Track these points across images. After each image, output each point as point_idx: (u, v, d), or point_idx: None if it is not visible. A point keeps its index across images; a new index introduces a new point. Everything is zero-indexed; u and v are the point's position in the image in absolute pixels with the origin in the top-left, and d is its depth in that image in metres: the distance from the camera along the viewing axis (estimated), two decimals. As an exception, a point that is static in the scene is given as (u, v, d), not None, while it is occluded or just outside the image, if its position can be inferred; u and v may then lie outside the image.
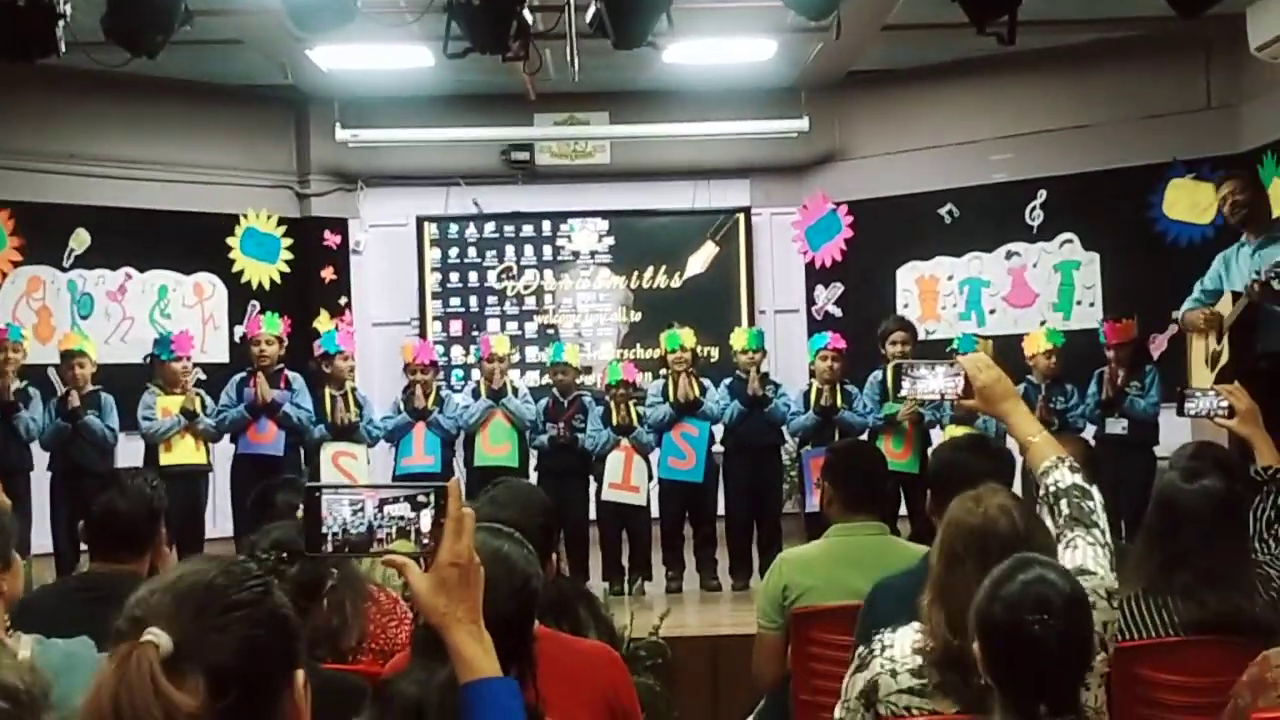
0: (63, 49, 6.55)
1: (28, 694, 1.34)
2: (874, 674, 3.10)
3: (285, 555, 3.33)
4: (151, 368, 9.06)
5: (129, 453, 8.88)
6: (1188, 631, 3.60)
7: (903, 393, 3.43)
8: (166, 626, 1.61)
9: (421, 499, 2.00)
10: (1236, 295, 7.19)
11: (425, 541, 1.98)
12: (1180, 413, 4.76)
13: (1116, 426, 8.59)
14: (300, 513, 4.06)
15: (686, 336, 9.22)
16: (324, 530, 1.99)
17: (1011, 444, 3.53)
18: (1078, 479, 3.10)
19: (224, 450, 9.21)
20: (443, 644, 2.07)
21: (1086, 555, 2.98)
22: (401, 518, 1.99)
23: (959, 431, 8.15)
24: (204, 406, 8.86)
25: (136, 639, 1.61)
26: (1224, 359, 7.16)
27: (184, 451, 8.73)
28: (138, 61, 6.97)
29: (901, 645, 3.09)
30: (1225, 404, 4.42)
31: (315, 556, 3.25)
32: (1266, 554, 3.91)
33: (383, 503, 1.99)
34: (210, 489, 8.99)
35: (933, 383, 3.38)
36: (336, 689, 2.94)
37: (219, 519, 9.18)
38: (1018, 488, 4.19)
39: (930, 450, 6.96)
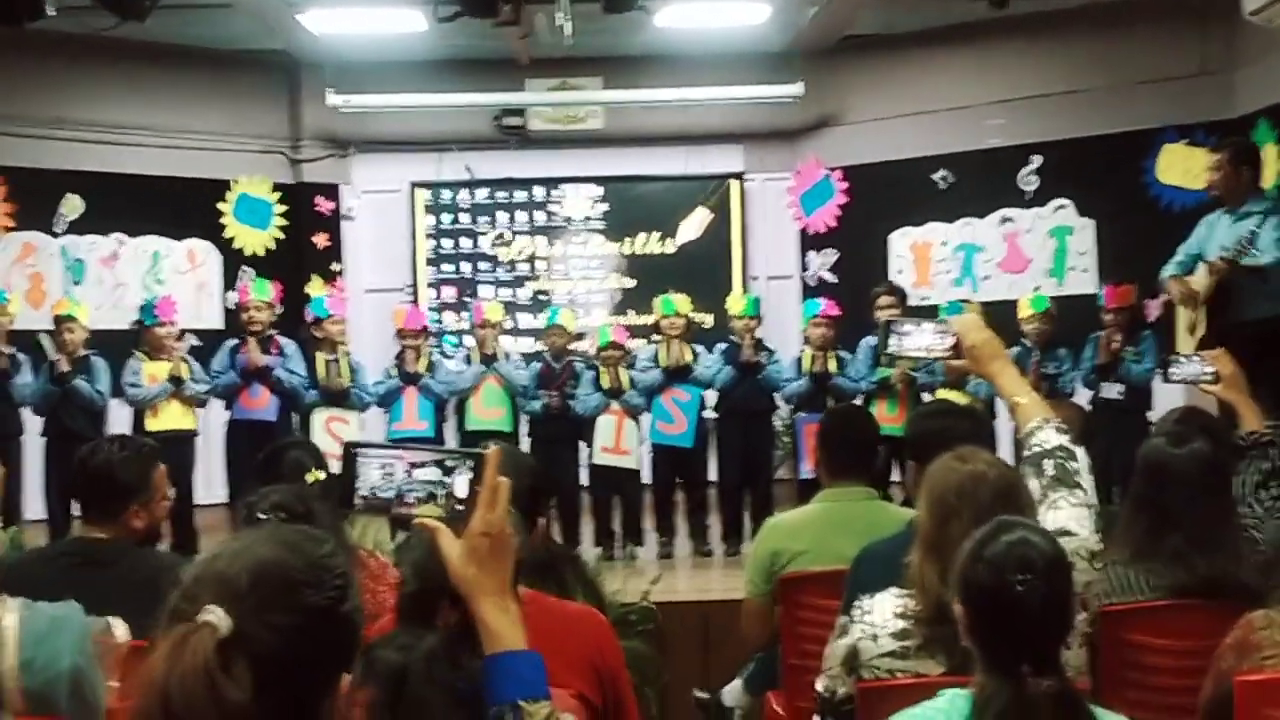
0: (51, 12, 6.53)
1: None
2: (854, 639, 3.11)
3: (285, 518, 3.35)
4: (138, 334, 9.06)
5: (119, 419, 8.87)
6: (1175, 596, 3.60)
7: (889, 349, 3.40)
8: (231, 605, 1.58)
9: (450, 463, 1.99)
10: (1210, 267, 7.19)
11: (458, 508, 1.97)
12: (1165, 379, 4.77)
13: (1111, 391, 8.60)
14: (316, 477, 4.08)
15: (681, 302, 9.23)
16: (357, 487, 1.98)
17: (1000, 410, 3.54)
18: (1064, 440, 3.10)
19: (217, 416, 9.21)
20: (432, 611, 2.07)
21: (1069, 516, 2.99)
22: (430, 482, 1.98)
23: (951, 395, 8.17)
24: (191, 372, 8.86)
25: (193, 616, 1.57)
26: (1199, 330, 7.18)
27: (171, 417, 8.73)
28: (128, 26, 6.95)
29: (882, 610, 3.10)
30: (1210, 370, 4.43)
31: (314, 515, 3.26)
32: (1252, 514, 3.92)
33: (412, 466, 1.98)
34: (196, 454, 8.97)
35: (919, 339, 3.37)
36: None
37: (213, 485, 9.18)
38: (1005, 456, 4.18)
39: (909, 417, 6.94)
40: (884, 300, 9.07)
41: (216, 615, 1.55)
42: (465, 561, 1.95)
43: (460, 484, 1.98)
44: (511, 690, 1.91)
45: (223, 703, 1.52)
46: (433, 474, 1.99)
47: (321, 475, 4.17)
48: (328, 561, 1.68)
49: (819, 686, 3.26)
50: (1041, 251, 10.78)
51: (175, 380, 8.73)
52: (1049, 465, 3.08)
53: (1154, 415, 8.22)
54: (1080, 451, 3.12)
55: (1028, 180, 10.78)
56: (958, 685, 2.50)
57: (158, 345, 8.84)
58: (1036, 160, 10.71)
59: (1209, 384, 4.43)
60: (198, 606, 1.57)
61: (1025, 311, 8.95)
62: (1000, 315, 8.43)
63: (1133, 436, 7.58)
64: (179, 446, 8.49)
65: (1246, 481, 4.05)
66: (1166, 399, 7.73)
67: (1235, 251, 6.93)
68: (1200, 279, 7.27)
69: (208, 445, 9.18)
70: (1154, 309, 9.50)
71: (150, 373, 8.75)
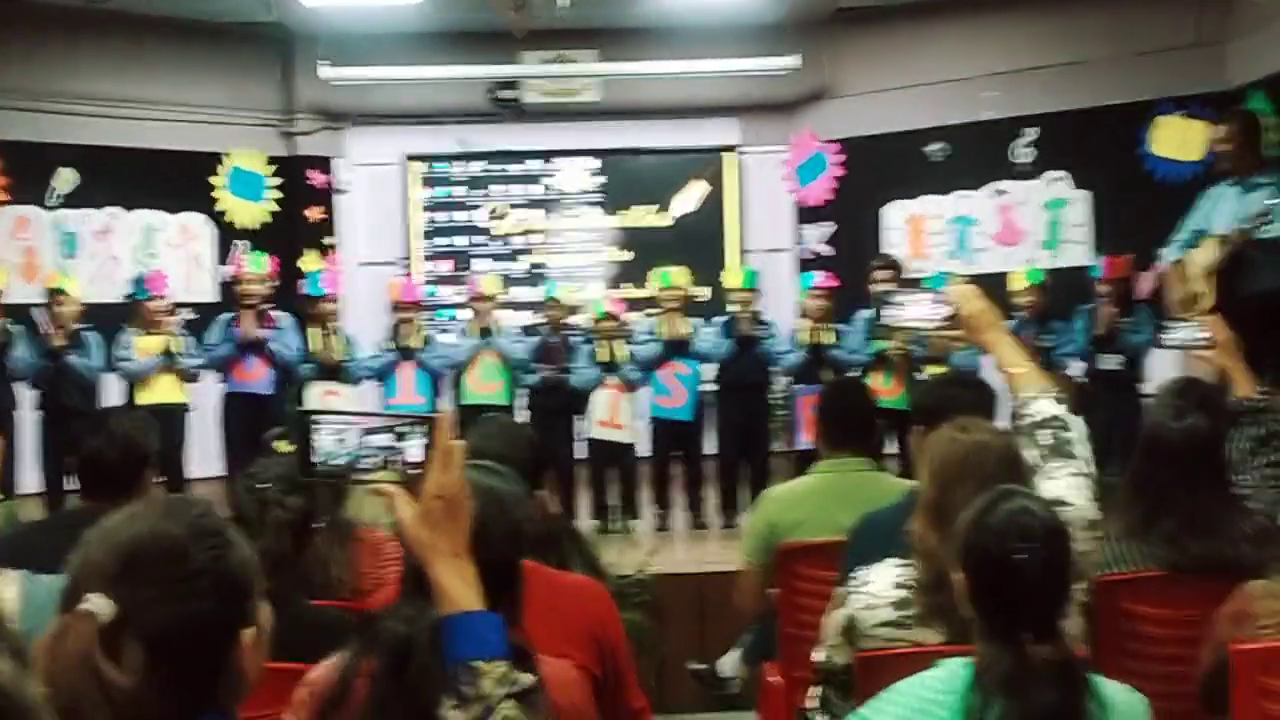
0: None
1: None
2: (853, 610, 3.11)
3: (287, 488, 3.37)
4: (129, 308, 9.04)
5: (113, 393, 8.89)
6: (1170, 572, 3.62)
7: (884, 320, 3.41)
8: (110, 589, 1.56)
9: (403, 429, 2.00)
10: (1221, 239, 7.17)
11: (412, 472, 1.98)
12: (1159, 344, 4.78)
13: (1110, 363, 8.61)
14: (284, 449, 4.10)
15: (678, 275, 9.23)
16: (313, 458, 1.99)
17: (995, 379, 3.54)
18: (1059, 410, 3.11)
19: (213, 389, 9.20)
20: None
21: (1066, 485, 2.99)
22: (384, 448, 1.99)
23: (934, 370, 8.20)
24: (182, 345, 8.86)
25: (74, 603, 1.55)
26: (1204, 302, 7.15)
27: (162, 390, 8.74)
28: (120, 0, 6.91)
29: (881, 580, 3.11)
30: (1204, 335, 4.43)
31: (308, 480, 3.28)
32: (1248, 482, 3.93)
33: (366, 432, 1.99)
34: (188, 428, 8.97)
35: (915, 310, 3.37)
36: (319, 624, 2.96)
37: (208, 458, 9.18)
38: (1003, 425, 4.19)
39: (915, 388, 6.97)
40: (880, 274, 9.07)
41: (94, 602, 1.54)
42: (419, 524, 1.95)
43: (414, 449, 1.98)
44: (468, 649, 1.90)
45: (109, 689, 1.51)
46: (387, 440, 1.99)
47: (292, 447, 4.19)
48: (203, 522, 1.68)
49: (817, 657, 3.26)
50: (1035, 224, 10.78)
51: (167, 354, 8.73)
52: (1044, 435, 3.08)
53: (1148, 387, 8.23)
54: (1076, 421, 3.12)
55: (1022, 153, 10.77)
56: (957, 655, 2.51)
57: (149, 319, 8.84)
58: (1031, 133, 10.69)
59: (1203, 348, 4.44)
60: (79, 596, 1.56)
61: (1018, 284, 8.95)
62: (994, 287, 8.44)
63: (1131, 407, 7.61)
64: (170, 420, 8.47)
65: (1239, 449, 4.07)
66: (1162, 370, 7.73)
67: (1251, 225, 6.89)
68: (1205, 256, 7.24)
69: (203, 418, 9.17)
70: (1146, 282, 9.51)
71: (142, 346, 8.75)
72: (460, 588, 1.94)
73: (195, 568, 1.63)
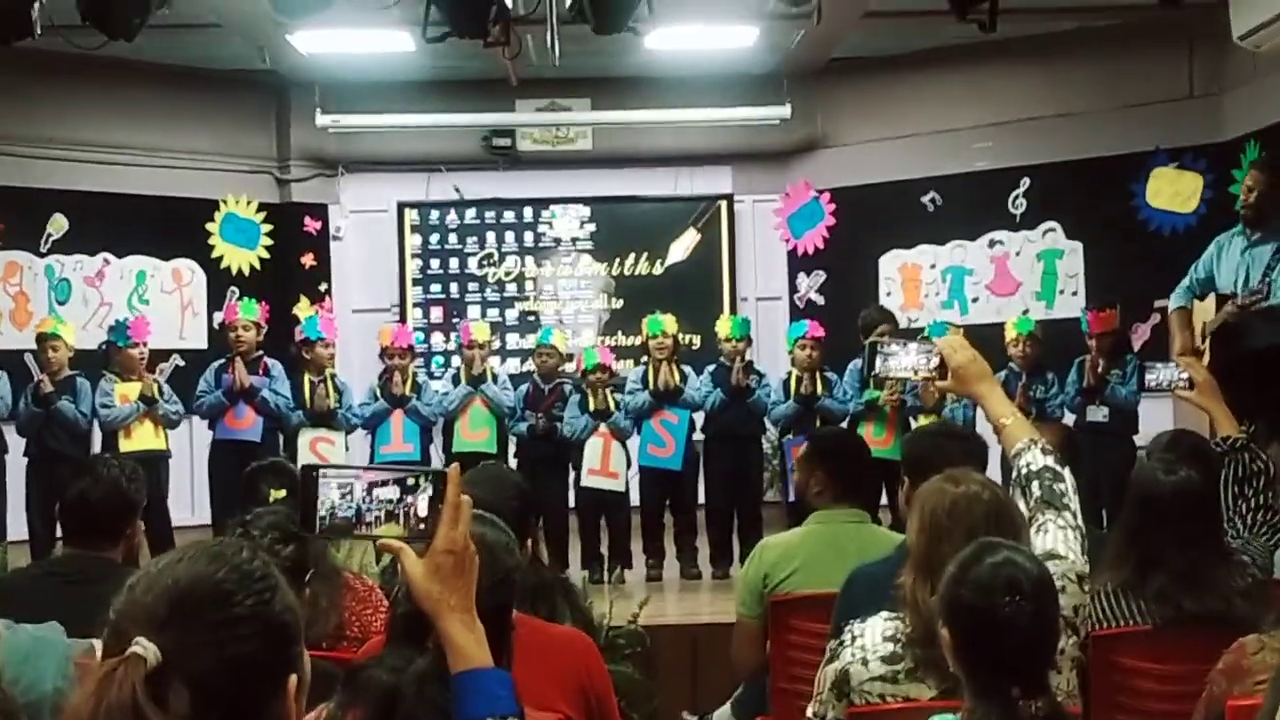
0: (38, 31, 6.51)
1: None
2: (844, 664, 3.08)
3: (280, 538, 3.34)
4: (108, 355, 9.00)
5: (96, 440, 8.84)
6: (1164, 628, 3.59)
7: (875, 370, 3.39)
8: (157, 633, 1.55)
9: (411, 482, 1.98)
10: (1220, 298, 7.15)
11: (420, 527, 1.96)
12: (1141, 386, 4.79)
13: (1097, 415, 8.59)
14: (276, 496, 4.07)
15: (669, 323, 9.20)
16: (318, 511, 1.96)
17: (986, 429, 3.53)
18: (1049, 461, 3.09)
19: (202, 436, 9.16)
20: (423, 632, 2.05)
21: (1057, 538, 2.97)
22: (390, 501, 1.97)
23: (927, 421, 8.19)
24: (161, 392, 8.83)
25: (122, 649, 1.54)
26: (1204, 360, 7.13)
27: (143, 437, 8.69)
28: (116, 45, 6.91)
29: (872, 634, 3.08)
30: (1185, 376, 4.45)
31: (308, 536, 3.25)
32: (1238, 532, 3.92)
33: (371, 485, 1.97)
34: (169, 474, 8.93)
35: (906, 360, 3.36)
36: (314, 675, 2.92)
37: (196, 506, 9.13)
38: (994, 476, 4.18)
39: (905, 438, 6.94)
40: (883, 328, 8.89)
41: (142, 646, 1.53)
42: (429, 579, 1.94)
43: (422, 502, 1.97)
44: (480, 708, 1.90)
45: None
46: (393, 493, 1.97)
47: (282, 494, 4.16)
48: (248, 566, 1.65)
49: (809, 713, 3.23)
50: (1030, 274, 10.80)
51: (148, 400, 8.68)
52: (1036, 487, 3.06)
53: (1140, 439, 8.22)
54: (1067, 473, 3.11)
55: (1016, 203, 10.80)
56: (948, 710, 2.48)
57: (129, 366, 8.78)
58: (1025, 183, 10.73)
59: (1183, 389, 4.44)
60: (125, 640, 1.55)
61: (1010, 334, 8.93)
62: (989, 338, 8.44)
63: (1119, 460, 7.57)
64: (152, 468, 8.42)
65: (1227, 489, 4.07)
66: (1152, 422, 7.72)
67: (1248, 302, 6.86)
68: (1207, 311, 7.22)
69: (191, 466, 9.12)
70: (1142, 334, 9.52)
71: (122, 393, 8.70)
72: (472, 644, 1.94)
73: (242, 613, 1.61)
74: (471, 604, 1.95)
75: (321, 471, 1.97)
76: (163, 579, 1.61)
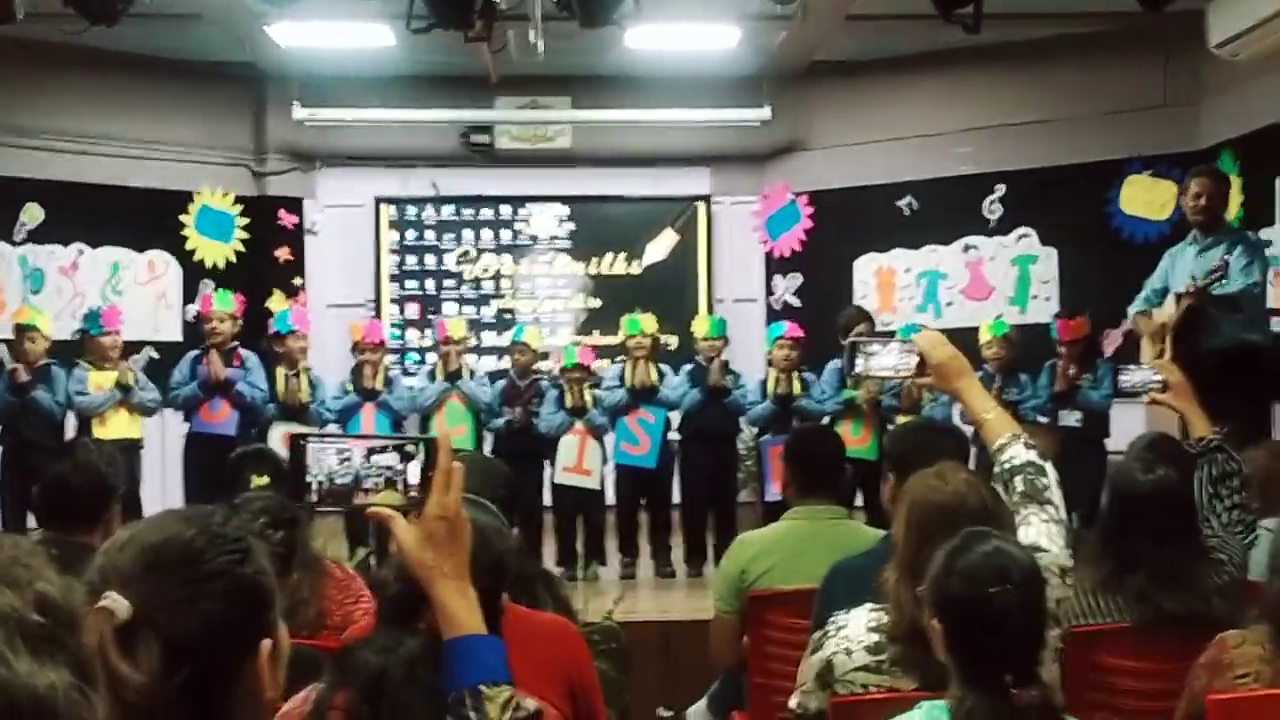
0: (20, 16, 6.47)
1: (67, 610, 1.30)
2: (829, 654, 3.09)
3: (270, 523, 3.33)
4: (81, 343, 8.95)
5: (73, 427, 8.79)
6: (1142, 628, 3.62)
7: (856, 369, 3.39)
8: (130, 589, 1.56)
9: (410, 449, 1.98)
10: (1179, 297, 7.23)
11: (413, 494, 1.96)
12: (1114, 388, 4.82)
13: (1070, 419, 8.62)
14: (258, 483, 4.06)
15: (647, 322, 9.21)
16: (308, 479, 1.96)
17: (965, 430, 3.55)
18: (1032, 455, 3.09)
19: (176, 429, 9.11)
20: (413, 614, 2.05)
21: (1040, 532, 2.98)
22: (389, 468, 1.97)
23: (905, 420, 8.21)
24: (136, 380, 8.78)
25: (95, 603, 1.54)
26: (1166, 359, 7.19)
27: (118, 425, 8.63)
28: (94, 34, 6.89)
29: (857, 625, 3.08)
30: (1158, 378, 4.47)
31: (298, 519, 3.23)
32: (1214, 532, 3.94)
33: (370, 452, 1.97)
34: (143, 463, 8.88)
35: (885, 359, 3.36)
36: (298, 660, 2.92)
37: (169, 499, 9.08)
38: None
39: (889, 433, 6.96)
40: (862, 328, 8.94)
41: (112, 599, 1.54)
42: (421, 546, 1.94)
43: (413, 470, 1.96)
44: (472, 674, 1.90)
45: (120, 685, 1.50)
46: (392, 459, 1.97)
47: (265, 480, 4.16)
48: (221, 529, 1.66)
49: (791, 703, 3.23)
50: (1004, 279, 10.84)
51: (123, 388, 8.64)
52: (1019, 481, 3.07)
53: (1111, 444, 8.26)
54: (1049, 467, 3.12)
55: (992, 208, 10.84)
56: (935, 699, 2.48)
57: (102, 354, 8.74)
58: (1001, 189, 10.77)
59: (1157, 391, 4.47)
60: (99, 595, 1.55)
61: (985, 336, 8.96)
62: (962, 342, 8.44)
63: (1090, 464, 7.61)
64: (127, 455, 8.39)
65: (1203, 490, 4.09)
66: (1124, 427, 7.76)
67: (1207, 281, 6.96)
68: (1167, 311, 7.30)
69: (162, 459, 9.06)
70: (1113, 339, 9.56)
71: (96, 381, 8.65)
72: (465, 610, 1.93)
73: (212, 569, 1.61)
74: (464, 571, 1.95)
75: (310, 439, 1.97)
76: (138, 539, 1.63)
